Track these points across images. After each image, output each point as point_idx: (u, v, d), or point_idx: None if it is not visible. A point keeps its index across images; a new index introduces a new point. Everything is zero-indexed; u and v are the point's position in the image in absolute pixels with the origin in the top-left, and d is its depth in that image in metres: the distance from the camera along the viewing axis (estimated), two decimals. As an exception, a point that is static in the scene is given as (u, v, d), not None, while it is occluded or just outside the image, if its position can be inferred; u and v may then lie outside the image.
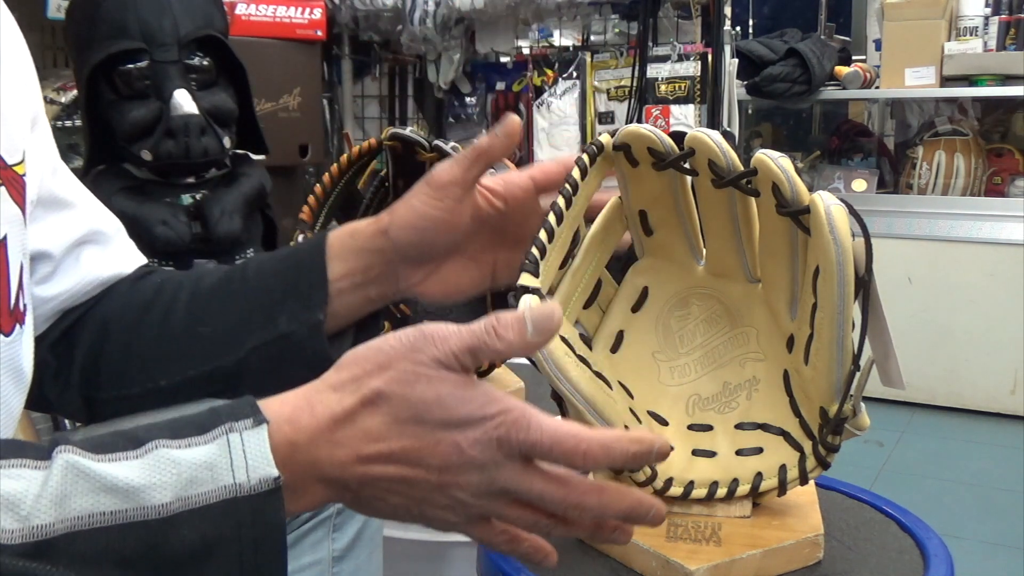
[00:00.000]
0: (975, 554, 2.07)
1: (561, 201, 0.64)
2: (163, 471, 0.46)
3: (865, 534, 0.73)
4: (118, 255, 0.81)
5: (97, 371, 0.75)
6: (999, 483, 2.46)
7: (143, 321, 0.75)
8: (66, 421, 1.69)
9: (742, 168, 0.62)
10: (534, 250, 0.63)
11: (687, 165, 0.65)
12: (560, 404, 0.65)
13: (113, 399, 0.76)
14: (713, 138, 0.62)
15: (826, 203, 0.57)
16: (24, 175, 0.64)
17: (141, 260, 0.83)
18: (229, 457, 0.47)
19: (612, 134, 0.66)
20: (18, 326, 0.60)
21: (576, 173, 0.65)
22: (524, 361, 1.29)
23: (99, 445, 0.47)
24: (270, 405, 0.50)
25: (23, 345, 0.63)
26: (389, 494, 0.50)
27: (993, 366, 2.93)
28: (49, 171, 0.73)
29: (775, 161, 0.59)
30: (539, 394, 1.29)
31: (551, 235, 0.64)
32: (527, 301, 0.59)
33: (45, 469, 0.45)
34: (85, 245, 0.77)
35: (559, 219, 0.64)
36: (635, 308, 0.73)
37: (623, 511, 0.52)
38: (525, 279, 0.61)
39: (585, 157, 0.65)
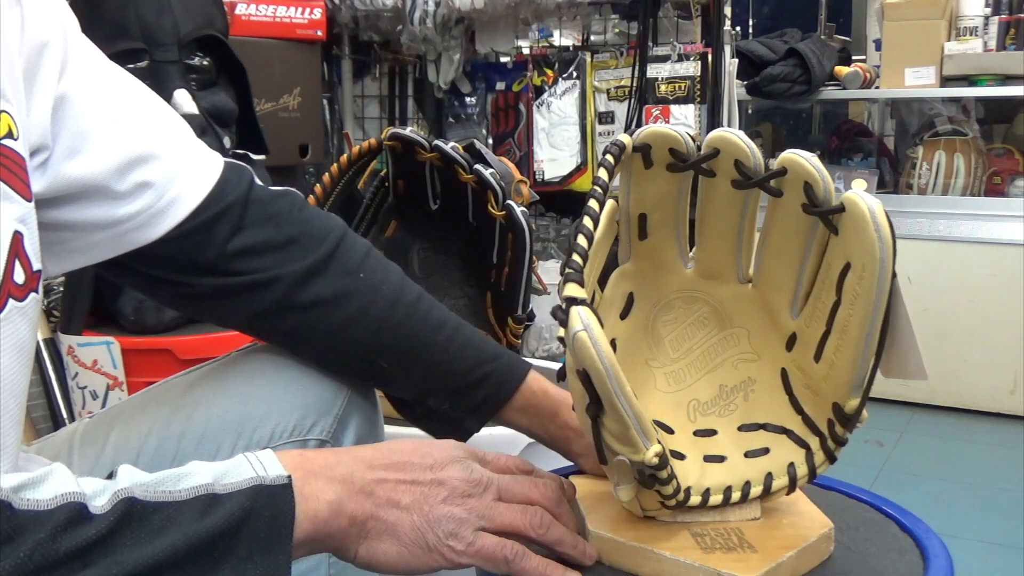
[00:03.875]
0: (975, 554, 2.07)
1: (594, 204, 0.62)
2: (201, 469, 0.56)
3: (865, 534, 0.73)
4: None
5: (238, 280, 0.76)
6: (999, 483, 2.46)
7: (326, 309, 0.77)
8: (65, 419, 1.69)
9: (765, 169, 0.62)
10: (576, 257, 0.60)
11: (705, 166, 0.64)
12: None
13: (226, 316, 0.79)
14: (741, 138, 0.62)
15: (868, 202, 0.58)
16: (15, 148, 0.61)
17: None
18: (249, 462, 0.57)
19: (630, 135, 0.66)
20: (11, 300, 0.59)
21: (603, 173, 0.63)
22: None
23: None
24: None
25: (22, 320, 0.61)
26: (400, 494, 0.60)
27: (993, 366, 2.92)
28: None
29: (809, 161, 0.60)
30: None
31: (590, 240, 0.61)
32: (580, 315, 0.56)
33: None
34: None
35: (595, 222, 0.62)
36: (622, 315, 0.73)
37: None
38: (572, 289, 0.59)
39: (610, 158, 0.64)
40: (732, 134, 0.62)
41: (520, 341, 1.22)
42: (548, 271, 2.65)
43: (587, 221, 0.61)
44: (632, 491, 0.64)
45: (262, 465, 0.57)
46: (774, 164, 0.63)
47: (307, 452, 0.61)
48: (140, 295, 1.60)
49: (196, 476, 0.55)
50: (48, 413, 1.72)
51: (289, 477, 0.56)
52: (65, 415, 1.70)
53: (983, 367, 2.94)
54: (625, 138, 0.65)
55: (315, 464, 0.59)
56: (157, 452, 0.79)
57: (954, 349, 2.97)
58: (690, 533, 0.67)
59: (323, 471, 0.59)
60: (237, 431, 0.79)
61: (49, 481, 0.50)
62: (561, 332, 0.59)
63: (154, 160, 0.72)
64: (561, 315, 0.58)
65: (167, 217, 0.72)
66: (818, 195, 0.61)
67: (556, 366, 1.45)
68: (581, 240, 0.61)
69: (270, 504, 0.55)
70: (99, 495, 0.51)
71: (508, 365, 0.82)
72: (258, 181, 0.79)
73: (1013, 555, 2.06)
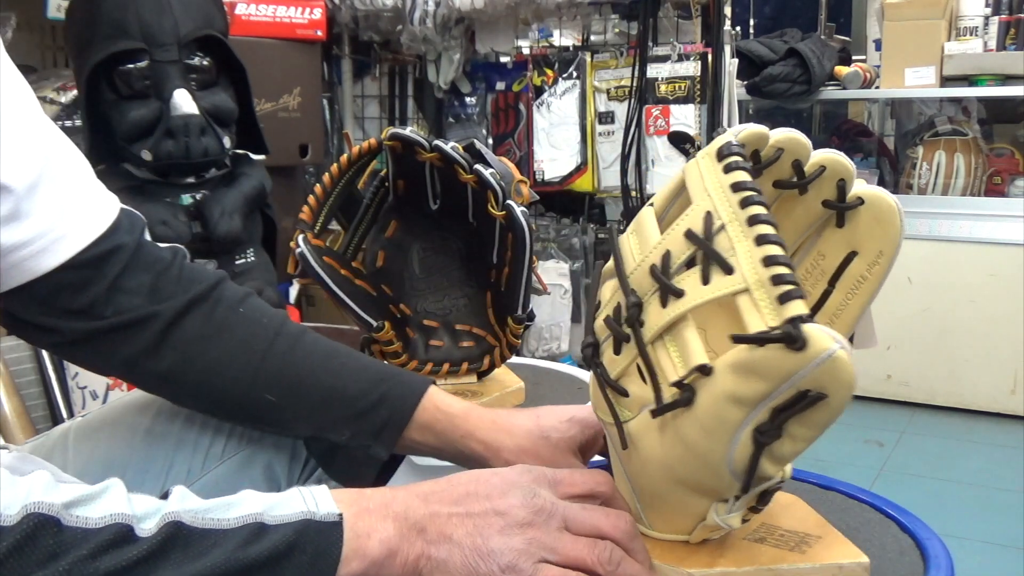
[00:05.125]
0: (975, 554, 2.07)
1: (762, 208, 0.53)
2: (252, 498, 0.55)
3: (865, 534, 0.73)
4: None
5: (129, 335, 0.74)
6: (999, 483, 2.46)
7: (204, 345, 0.75)
8: (65, 418, 1.69)
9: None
10: (791, 272, 0.51)
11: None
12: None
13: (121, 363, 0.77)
14: (804, 138, 0.62)
15: (890, 196, 0.62)
16: None
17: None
18: (302, 496, 0.56)
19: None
20: None
21: (748, 177, 0.55)
22: (524, 361, 1.28)
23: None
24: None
25: None
26: (452, 528, 0.57)
27: (993, 366, 2.92)
28: None
29: (845, 159, 0.62)
30: (539, 394, 1.29)
31: (784, 246, 0.52)
32: (831, 334, 0.48)
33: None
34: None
35: (776, 228, 0.55)
36: None
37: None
38: (800, 307, 0.49)
39: (742, 161, 0.57)
40: (798, 134, 0.62)
41: (520, 341, 1.22)
42: (548, 271, 2.66)
43: (771, 228, 0.52)
44: (744, 514, 0.61)
45: (315, 500, 0.56)
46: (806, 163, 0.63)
47: (365, 490, 0.59)
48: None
49: (246, 505, 0.54)
50: (48, 413, 1.72)
51: (340, 516, 0.55)
52: (65, 415, 1.70)
53: (983, 367, 2.94)
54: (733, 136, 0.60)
55: (372, 501, 0.58)
56: (151, 448, 0.80)
57: (954, 349, 2.97)
58: (750, 540, 0.65)
59: (379, 508, 0.57)
60: (231, 425, 0.80)
61: (103, 499, 0.50)
62: (674, 357, 0.55)
63: (51, 189, 0.70)
64: (795, 331, 0.48)
65: (60, 247, 0.71)
66: (848, 191, 0.63)
67: (556, 366, 1.45)
68: (777, 249, 0.51)
69: (316, 540, 0.54)
70: (149, 517, 0.51)
71: (405, 382, 0.78)
72: (147, 235, 0.78)
73: (1013, 555, 2.06)
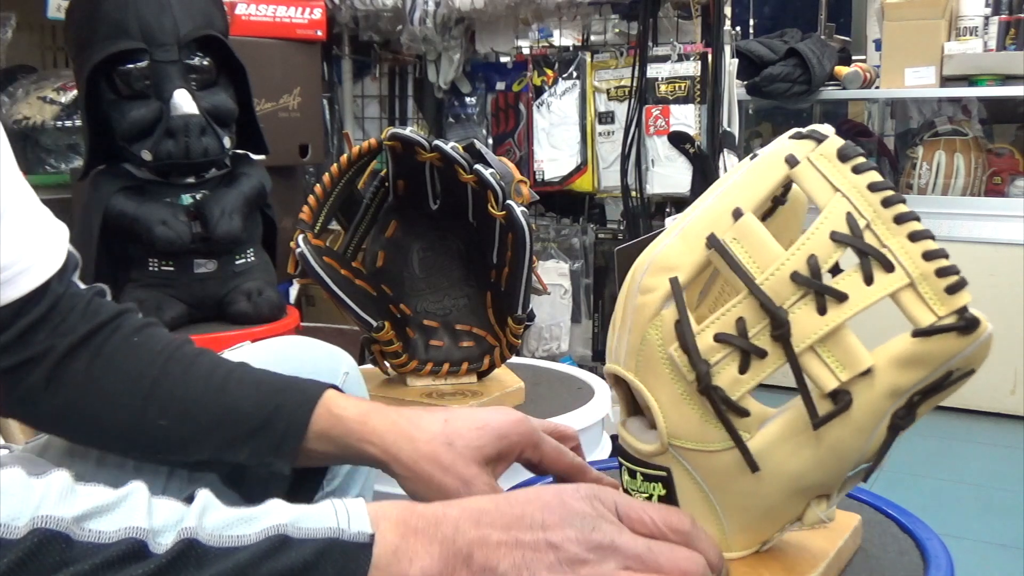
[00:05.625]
0: (975, 554, 2.07)
1: (906, 208, 0.55)
2: (279, 509, 0.52)
3: (865, 534, 0.73)
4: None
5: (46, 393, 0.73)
6: (999, 483, 2.46)
7: (102, 372, 0.73)
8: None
9: None
10: (952, 264, 0.54)
11: None
12: None
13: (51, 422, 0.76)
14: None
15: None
16: None
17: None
18: (335, 510, 0.52)
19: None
20: None
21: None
22: (523, 361, 1.27)
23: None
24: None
25: None
26: (499, 557, 0.52)
27: (993, 366, 2.91)
28: None
29: None
30: (539, 393, 1.29)
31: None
32: (985, 318, 0.53)
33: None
34: None
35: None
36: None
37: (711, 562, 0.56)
38: (968, 295, 0.53)
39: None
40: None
41: (520, 341, 1.22)
42: (548, 271, 2.65)
43: (920, 225, 0.54)
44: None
45: (348, 515, 0.52)
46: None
47: (418, 505, 0.54)
48: (140, 295, 1.60)
49: (272, 516, 0.51)
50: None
51: (372, 537, 0.51)
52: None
53: (983, 367, 2.93)
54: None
55: (422, 520, 0.53)
56: (153, 449, 0.79)
57: (954, 349, 2.96)
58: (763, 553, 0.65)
59: (426, 529, 0.53)
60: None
61: (120, 509, 0.48)
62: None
63: (18, 218, 0.70)
64: (972, 321, 0.52)
65: (19, 284, 0.70)
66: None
67: (556, 366, 1.45)
68: (934, 244, 0.54)
69: (339, 562, 0.50)
70: (166, 531, 0.48)
71: (301, 390, 0.74)
72: (75, 276, 0.77)
73: (1013, 555, 2.06)
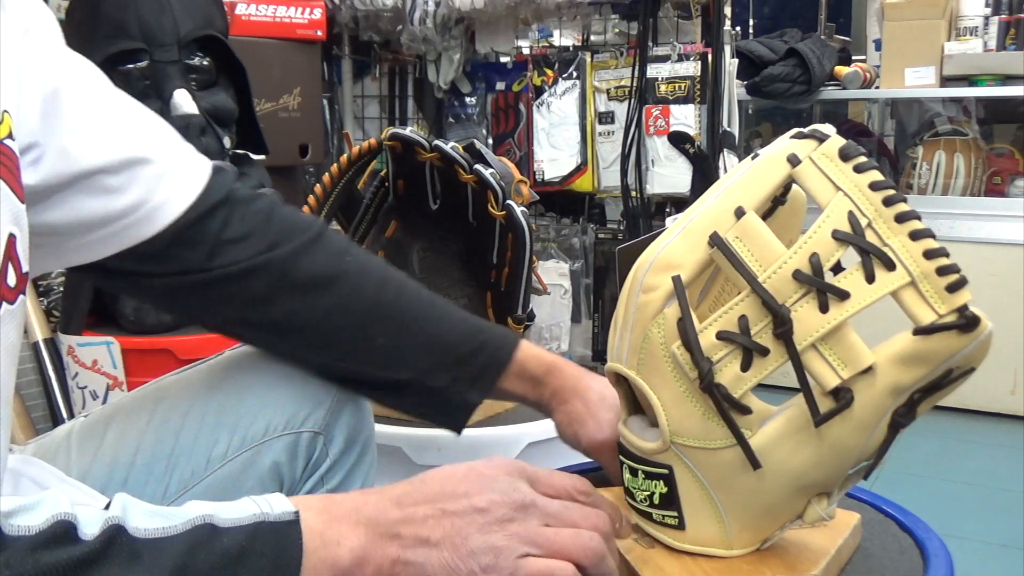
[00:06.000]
0: (975, 554, 2.07)
1: (907, 207, 0.56)
2: (198, 504, 0.53)
3: (865, 534, 0.73)
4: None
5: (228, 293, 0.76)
6: (999, 483, 2.46)
7: (320, 290, 0.77)
8: (65, 418, 1.69)
9: None
10: (953, 262, 0.55)
11: None
12: None
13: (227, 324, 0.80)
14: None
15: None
16: (13, 148, 0.60)
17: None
18: (255, 502, 0.54)
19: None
20: (4, 304, 0.58)
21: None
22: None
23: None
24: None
25: (12, 323, 0.60)
26: (429, 529, 0.55)
27: (993, 366, 2.91)
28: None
29: None
30: (539, 394, 1.29)
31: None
32: (985, 317, 0.54)
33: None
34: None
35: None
36: None
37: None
38: (968, 293, 0.55)
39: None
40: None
41: (520, 341, 1.22)
42: (548, 271, 2.65)
43: (920, 224, 0.55)
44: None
45: (268, 503, 0.54)
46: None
47: (335, 495, 0.57)
48: (140, 295, 1.60)
49: (193, 509, 0.52)
50: (48, 413, 1.72)
51: (296, 514, 0.53)
52: (65, 415, 1.70)
53: (983, 367, 2.91)
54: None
55: (342, 508, 0.55)
56: (154, 449, 0.79)
57: (954, 349, 2.96)
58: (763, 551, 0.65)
59: (349, 515, 0.55)
60: (232, 426, 0.80)
61: (43, 506, 0.48)
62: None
63: (146, 155, 0.72)
64: (972, 319, 0.53)
65: (162, 214, 0.72)
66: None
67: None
68: (935, 243, 0.55)
69: (273, 542, 0.51)
70: (92, 523, 0.49)
71: (502, 332, 0.83)
72: (237, 183, 0.80)
73: (1013, 555, 2.06)
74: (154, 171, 0.72)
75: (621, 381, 0.65)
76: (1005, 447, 2.73)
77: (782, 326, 0.55)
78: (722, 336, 0.57)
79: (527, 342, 0.83)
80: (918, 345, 0.53)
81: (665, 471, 0.63)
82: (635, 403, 0.66)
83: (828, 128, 0.59)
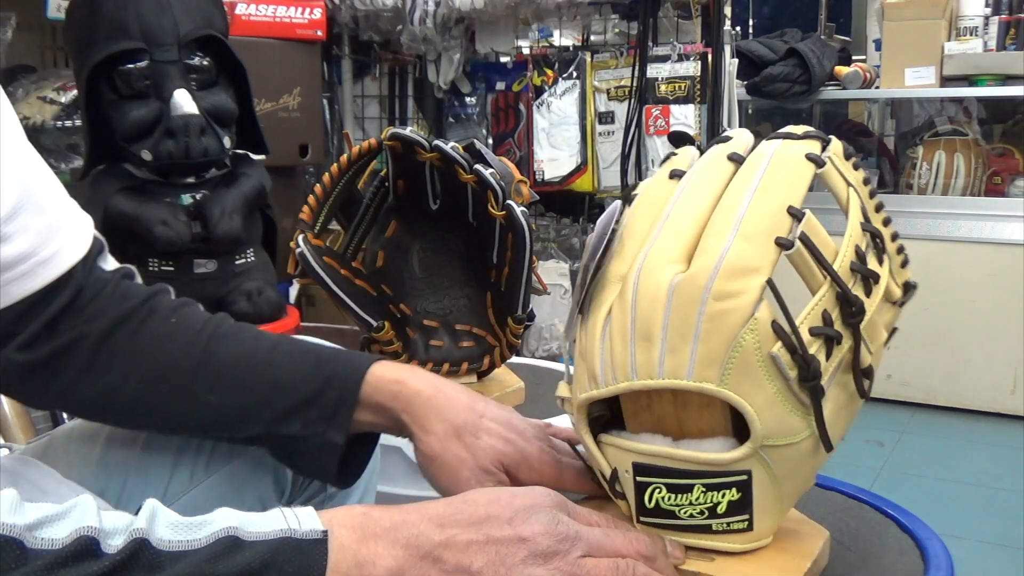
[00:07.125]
0: (975, 554, 2.07)
1: (880, 200, 0.66)
2: (227, 514, 0.52)
3: (865, 534, 0.73)
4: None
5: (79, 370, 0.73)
6: (999, 483, 2.46)
7: (143, 354, 0.73)
8: (64, 418, 1.69)
9: None
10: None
11: None
12: None
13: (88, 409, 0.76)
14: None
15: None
16: None
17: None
18: (283, 515, 0.53)
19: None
20: None
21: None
22: (524, 361, 1.26)
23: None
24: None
25: None
26: (471, 556, 0.53)
27: (993, 366, 2.92)
28: None
29: None
30: (538, 394, 1.29)
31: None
32: None
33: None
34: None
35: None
36: None
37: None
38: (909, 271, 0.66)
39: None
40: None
41: (520, 341, 1.22)
42: (548, 271, 2.65)
43: (886, 214, 0.66)
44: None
45: (297, 519, 0.52)
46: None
47: (373, 511, 0.54)
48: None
49: (221, 520, 0.51)
50: (48, 413, 1.72)
51: (325, 532, 0.51)
52: (65, 415, 1.69)
53: (983, 367, 2.94)
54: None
55: (379, 525, 0.53)
56: (153, 451, 0.79)
57: (954, 349, 2.97)
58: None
59: (386, 533, 0.53)
60: (231, 424, 0.79)
61: (70, 517, 0.48)
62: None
63: (39, 208, 0.69)
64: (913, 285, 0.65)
65: (48, 269, 0.70)
66: None
67: (556, 366, 1.45)
68: (893, 228, 0.65)
69: (297, 560, 0.50)
70: (117, 534, 0.48)
71: (348, 359, 0.75)
72: (102, 258, 0.77)
73: (1013, 555, 2.06)
74: (47, 221, 0.70)
75: (613, 400, 0.65)
76: (1005, 447, 2.73)
77: (859, 314, 0.59)
78: (814, 332, 0.59)
79: (382, 363, 0.74)
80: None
81: (743, 477, 0.61)
82: (610, 421, 0.67)
83: (803, 128, 0.65)
